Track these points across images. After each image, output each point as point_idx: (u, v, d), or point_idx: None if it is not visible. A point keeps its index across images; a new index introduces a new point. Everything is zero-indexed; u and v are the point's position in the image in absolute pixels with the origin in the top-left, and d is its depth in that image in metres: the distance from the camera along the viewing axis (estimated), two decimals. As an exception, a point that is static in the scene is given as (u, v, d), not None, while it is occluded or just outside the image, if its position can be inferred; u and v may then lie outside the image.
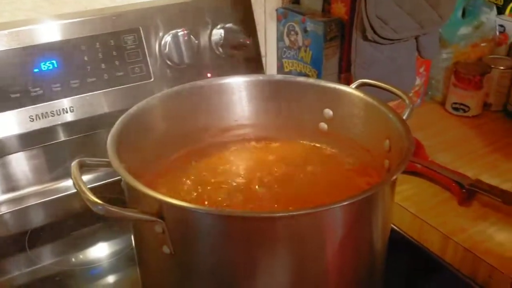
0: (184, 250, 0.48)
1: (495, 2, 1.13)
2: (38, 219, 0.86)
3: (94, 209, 0.46)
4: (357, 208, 0.48)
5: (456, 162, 0.87)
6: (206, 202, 0.61)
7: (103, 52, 0.83)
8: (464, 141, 0.96)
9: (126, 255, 0.74)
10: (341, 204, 0.45)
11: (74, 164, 0.52)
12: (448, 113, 1.05)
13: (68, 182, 0.88)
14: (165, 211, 0.46)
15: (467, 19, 1.04)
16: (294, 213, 0.45)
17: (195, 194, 0.62)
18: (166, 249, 0.48)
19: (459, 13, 1.04)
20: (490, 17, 1.06)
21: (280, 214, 0.45)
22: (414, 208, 0.77)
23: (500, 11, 1.13)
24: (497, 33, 1.08)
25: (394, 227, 0.77)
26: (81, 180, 0.49)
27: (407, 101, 0.61)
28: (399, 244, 0.75)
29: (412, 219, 0.76)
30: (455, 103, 1.03)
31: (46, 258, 0.76)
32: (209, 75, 0.93)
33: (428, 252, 0.73)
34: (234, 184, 0.65)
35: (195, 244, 0.47)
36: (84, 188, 0.48)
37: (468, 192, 0.77)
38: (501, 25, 1.09)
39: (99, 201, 0.46)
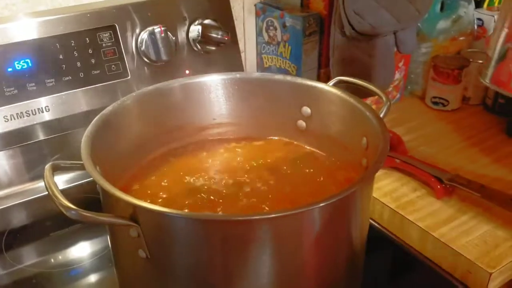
0: (160, 254, 0.47)
1: (474, -5, 1.14)
2: (15, 220, 0.84)
3: (67, 214, 0.46)
4: (334, 208, 0.48)
5: (436, 156, 0.87)
6: (183, 203, 0.60)
7: (79, 50, 0.82)
8: (444, 135, 0.96)
9: (106, 256, 0.73)
10: (318, 205, 0.45)
11: (47, 167, 0.51)
12: (428, 107, 1.06)
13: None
14: (139, 215, 0.46)
15: (446, 13, 1.05)
16: (271, 215, 0.45)
17: (172, 195, 0.61)
18: (142, 253, 0.48)
19: (438, 7, 1.04)
20: (468, 11, 1.06)
21: (257, 217, 0.45)
22: (394, 204, 0.77)
23: (478, 4, 1.14)
24: (475, 26, 1.09)
25: (374, 222, 0.77)
26: (54, 184, 0.49)
27: (384, 98, 0.61)
28: (378, 239, 0.75)
29: (391, 214, 0.76)
30: (435, 97, 1.04)
31: (24, 259, 0.74)
32: (187, 72, 0.92)
33: (407, 247, 0.74)
34: (212, 184, 0.65)
35: (171, 248, 0.47)
36: (56, 193, 0.47)
37: (447, 186, 0.78)
38: (479, 19, 1.10)
39: (72, 205, 0.45)
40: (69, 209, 0.45)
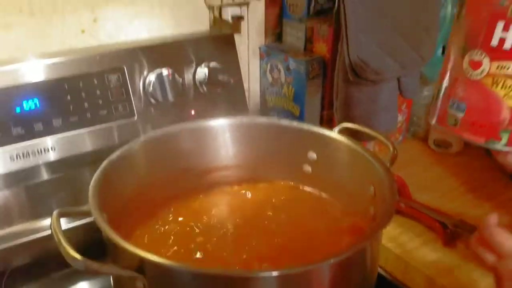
0: (165, 305, 0.47)
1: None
2: (17, 260, 0.83)
3: (73, 264, 0.45)
4: (344, 263, 0.47)
5: (439, 200, 0.87)
6: (188, 250, 0.60)
7: (87, 91, 0.83)
8: (447, 178, 0.96)
9: (107, 298, 0.72)
10: (327, 263, 0.45)
11: (54, 214, 0.51)
12: (431, 149, 1.06)
13: (49, 221, 0.86)
14: (146, 267, 0.46)
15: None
16: (279, 273, 0.44)
17: (176, 240, 0.61)
18: (147, 305, 0.47)
19: (439, 51, 1.06)
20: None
21: (265, 275, 0.45)
22: (399, 249, 0.76)
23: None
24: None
25: (379, 268, 0.77)
26: (61, 232, 0.49)
27: (390, 147, 0.62)
28: (383, 285, 0.74)
29: (396, 259, 0.76)
30: (437, 140, 1.04)
31: (25, 300, 0.74)
32: (192, 112, 0.93)
33: (413, 293, 0.73)
34: (217, 230, 0.64)
35: (177, 300, 0.47)
36: (63, 241, 0.47)
37: (452, 232, 0.77)
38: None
39: (78, 256, 0.45)
40: (76, 260, 0.45)
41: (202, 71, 0.91)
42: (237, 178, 0.73)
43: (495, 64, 0.43)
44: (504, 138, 0.45)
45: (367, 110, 0.83)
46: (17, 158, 0.79)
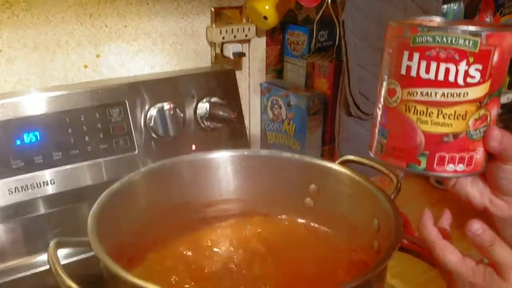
0: None
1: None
2: (11, 297, 0.81)
3: (70, 296, 0.44)
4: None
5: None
6: (186, 284, 0.58)
7: (88, 125, 0.83)
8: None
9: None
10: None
11: (51, 245, 0.50)
12: (432, 186, 1.05)
13: (46, 256, 0.85)
14: (146, 299, 0.44)
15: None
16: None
17: (177, 275, 0.60)
18: None
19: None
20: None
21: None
22: (403, 287, 0.75)
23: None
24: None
25: (383, 306, 0.74)
26: (58, 262, 0.47)
27: (394, 180, 0.61)
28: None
29: (400, 298, 0.74)
30: (439, 181, 1.04)
31: None
32: (193, 147, 0.92)
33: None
34: (216, 264, 0.63)
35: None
36: (60, 272, 0.46)
37: (456, 270, 0.76)
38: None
39: (76, 286, 0.44)
40: (73, 290, 0.44)
41: (203, 106, 0.92)
42: (238, 211, 0.72)
43: (406, 91, 0.45)
44: (423, 162, 0.47)
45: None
46: (15, 191, 0.79)
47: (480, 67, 0.43)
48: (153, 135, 0.88)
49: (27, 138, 0.79)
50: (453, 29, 0.42)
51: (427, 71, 0.44)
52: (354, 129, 0.83)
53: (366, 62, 0.79)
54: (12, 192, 0.78)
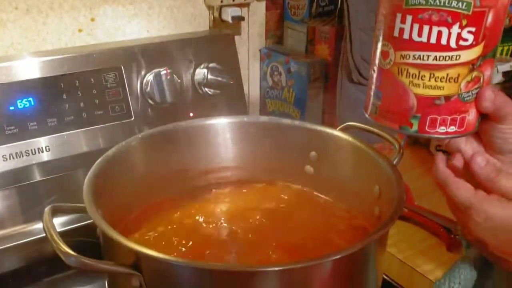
0: (163, 305, 0.45)
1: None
2: (8, 264, 0.81)
3: (66, 261, 0.43)
4: (347, 262, 0.46)
5: (443, 205, 0.85)
6: (185, 252, 0.58)
7: (83, 90, 0.81)
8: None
9: (101, 304, 0.70)
10: (332, 258, 0.43)
11: (46, 210, 0.49)
12: (432, 155, 1.04)
13: (42, 224, 0.84)
14: (142, 263, 0.43)
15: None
16: (281, 268, 0.43)
17: (174, 243, 0.59)
18: (143, 304, 0.45)
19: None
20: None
21: (266, 269, 0.43)
22: (402, 255, 0.74)
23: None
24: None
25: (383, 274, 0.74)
26: (54, 228, 0.46)
27: (396, 146, 0.60)
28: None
29: (400, 266, 0.74)
30: (439, 145, 1.03)
31: (15, 305, 0.71)
32: (191, 114, 0.91)
33: (417, 300, 0.71)
34: (215, 230, 0.62)
35: (175, 299, 0.44)
36: (56, 237, 0.45)
37: (457, 238, 0.75)
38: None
39: (72, 252, 0.43)
40: (69, 255, 0.43)
41: (201, 72, 0.90)
42: (237, 179, 0.71)
43: (398, 53, 0.45)
44: (415, 124, 0.47)
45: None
46: (10, 158, 0.77)
47: (473, 29, 0.42)
48: (150, 101, 0.86)
49: (21, 103, 0.77)
50: None
51: (420, 34, 0.43)
52: (356, 96, 0.82)
53: (368, 26, 0.77)
54: (6, 159, 0.77)
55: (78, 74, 0.81)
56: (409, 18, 0.43)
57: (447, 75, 0.44)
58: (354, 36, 0.76)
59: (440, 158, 0.51)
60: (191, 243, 0.59)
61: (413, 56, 0.44)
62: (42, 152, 0.80)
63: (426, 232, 0.79)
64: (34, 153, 0.79)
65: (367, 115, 0.52)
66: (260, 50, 1.06)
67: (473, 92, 0.45)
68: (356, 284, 0.49)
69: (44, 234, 0.82)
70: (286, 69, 1.00)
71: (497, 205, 0.44)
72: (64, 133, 0.81)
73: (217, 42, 0.93)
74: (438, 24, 0.42)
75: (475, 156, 0.47)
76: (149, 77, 0.85)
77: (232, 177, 0.71)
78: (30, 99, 0.78)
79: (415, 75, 0.45)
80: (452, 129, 0.47)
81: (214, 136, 0.69)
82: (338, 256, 0.43)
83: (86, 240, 0.77)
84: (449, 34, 0.42)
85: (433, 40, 0.43)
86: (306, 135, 0.67)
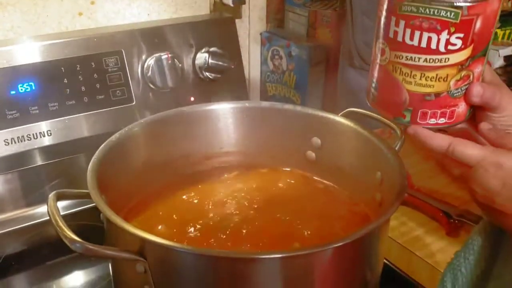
0: (167, 290, 0.45)
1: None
2: (11, 247, 0.81)
3: (71, 247, 0.44)
4: (349, 249, 0.46)
5: (442, 190, 0.86)
6: (187, 236, 0.58)
7: (84, 75, 0.81)
8: (438, 174, 0.94)
9: (103, 287, 0.70)
10: (334, 246, 0.43)
11: (51, 196, 0.49)
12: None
13: (43, 209, 0.84)
14: (147, 250, 0.44)
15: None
16: (284, 254, 0.43)
17: (175, 226, 0.59)
18: (147, 290, 0.46)
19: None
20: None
21: (269, 256, 0.43)
22: (401, 239, 0.75)
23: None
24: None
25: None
26: (58, 213, 0.47)
27: (398, 132, 0.60)
28: (386, 276, 0.73)
29: (400, 250, 0.74)
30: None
31: (17, 288, 0.71)
32: (192, 99, 0.91)
33: (417, 284, 0.71)
34: (220, 217, 0.62)
35: (179, 285, 0.45)
36: (61, 223, 0.45)
37: (455, 222, 0.76)
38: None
39: (76, 238, 0.43)
40: (74, 241, 0.43)
41: (202, 56, 0.90)
42: (238, 164, 0.71)
43: (393, 53, 0.48)
44: (407, 116, 0.51)
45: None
46: (11, 142, 0.78)
47: (461, 35, 0.44)
48: (151, 86, 0.86)
49: (22, 88, 0.77)
50: (436, 1, 0.44)
51: (411, 38, 0.46)
52: (357, 81, 0.81)
53: (370, 10, 0.76)
54: (8, 143, 0.77)
55: (79, 58, 0.80)
56: (402, 23, 0.46)
57: (437, 75, 0.46)
58: (356, 20, 0.75)
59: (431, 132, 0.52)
60: (193, 229, 0.60)
61: (406, 57, 0.47)
62: (44, 136, 0.80)
63: (426, 217, 0.79)
64: (35, 137, 0.79)
65: (367, 101, 0.54)
66: (261, 34, 1.05)
67: (462, 88, 0.48)
68: (357, 271, 0.50)
69: (46, 218, 0.83)
70: (287, 53, 0.99)
71: (508, 154, 0.46)
72: (66, 117, 0.81)
73: (218, 26, 0.93)
74: (428, 30, 0.44)
75: (482, 125, 0.49)
76: (150, 61, 0.85)
77: (233, 163, 0.72)
78: (31, 83, 0.77)
79: (408, 74, 0.47)
80: (442, 120, 0.50)
81: (216, 122, 0.69)
82: (340, 244, 0.44)
83: (88, 223, 0.78)
84: (438, 39, 0.44)
85: (423, 44, 0.45)
86: (308, 121, 0.67)
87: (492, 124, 0.50)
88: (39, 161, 0.82)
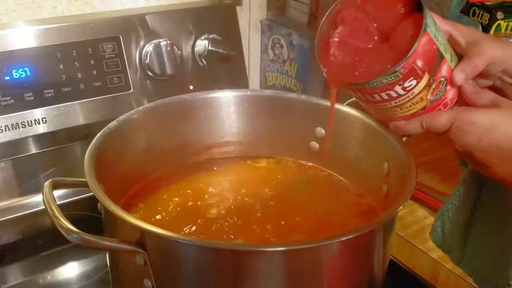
0: (168, 284, 0.44)
1: (480, 21, 1.13)
2: (4, 237, 0.80)
3: (68, 238, 0.42)
4: (356, 242, 0.45)
5: (444, 183, 0.85)
6: (186, 227, 0.57)
7: (80, 61, 0.79)
8: (450, 161, 0.93)
9: (100, 279, 0.69)
10: (339, 240, 0.42)
11: (46, 184, 0.47)
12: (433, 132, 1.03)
13: (38, 198, 0.82)
14: (147, 241, 0.42)
15: (454, 37, 1.04)
16: (287, 248, 0.42)
17: (174, 217, 0.58)
18: (147, 283, 0.44)
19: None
20: (476, 36, 1.05)
21: (272, 249, 0.42)
22: (403, 232, 0.74)
23: (485, 29, 1.13)
24: (483, 52, 1.08)
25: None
26: (54, 203, 0.45)
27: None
28: (388, 269, 0.72)
29: (401, 243, 0.73)
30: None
31: (11, 279, 0.70)
32: (191, 87, 0.89)
33: (419, 278, 0.71)
34: (218, 207, 0.61)
35: (180, 278, 0.44)
36: (57, 213, 0.43)
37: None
38: (486, 44, 1.09)
39: (74, 228, 0.42)
40: (71, 232, 0.42)
41: (202, 44, 0.88)
42: (240, 154, 0.70)
43: (371, 105, 0.54)
44: None
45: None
46: (6, 129, 0.76)
47: (411, 78, 0.47)
48: (149, 73, 0.84)
49: (16, 73, 0.75)
50: (374, 79, 0.47)
51: (374, 98, 0.50)
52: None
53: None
54: (2, 131, 0.75)
55: (75, 44, 0.78)
56: (362, 92, 0.50)
57: (412, 103, 0.49)
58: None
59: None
60: (193, 219, 0.58)
61: (380, 106, 0.51)
62: (39, 124, 0.78)
63: (427, 209, 0.79)
64: (30, 124, 0.77)
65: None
66: (261, 22, 1.03)
67: (441, 90, 0.50)
68: (364, 265, 0.48)
69: (41, 208, 0.82)
70: (288, 42, 0.98)
71: (479, 111, 0.48)
72: (61, 104, 0.79)
73: (218, 13, 0.91)
74: (383, 91, 0.48)
75: (457, 73, 0.50)
76: (149, 48, 0.83)
77: (235, 152, 0.70)
78: (26, 69, 0.75)
79: (391, 110, 0.51)
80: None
81: (217, 110, 0.67)
82: (344, 238, 0.43)
83: (84, 214, 0.76)
84: (395, 91, 0.48)
85: (386, 97, 0.49)
86: (311, 110, 0.65)
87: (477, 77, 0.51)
88: (33, 149, 0.80)
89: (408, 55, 0.45)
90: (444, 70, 0.49)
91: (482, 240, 0.59)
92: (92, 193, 0.46)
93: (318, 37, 0.53)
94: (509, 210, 0.57)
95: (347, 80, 0.50)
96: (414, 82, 0.47)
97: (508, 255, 0.58)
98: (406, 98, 0.49)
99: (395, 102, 0.49)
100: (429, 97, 0.49)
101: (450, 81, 0.50)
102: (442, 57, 0.48)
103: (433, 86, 0.49)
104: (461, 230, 0.60)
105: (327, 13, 0.53)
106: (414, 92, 0.48)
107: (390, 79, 0.47)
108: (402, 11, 0.49)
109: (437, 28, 0.48)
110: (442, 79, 0.49)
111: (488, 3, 1.15)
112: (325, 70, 0.52)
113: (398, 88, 0.47)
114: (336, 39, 0.52)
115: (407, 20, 0.49)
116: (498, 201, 0.57)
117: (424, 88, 0.48)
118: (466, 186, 0.59)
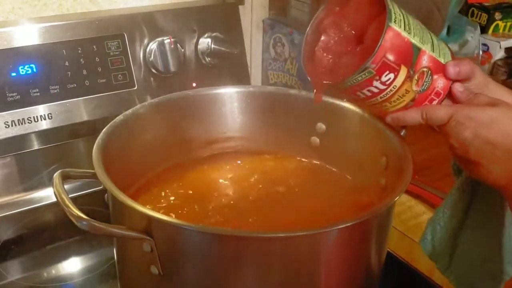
0: (174, 271, 0.45)
1: (479, 21, 1.15)
2: (9, 231, 0.81)
3: (78, 225, 0.43)
4: (354, 231, 0.46)
5: (443, 180, 0.86)
6: (189, 219, 0.58)
7: (85, 58, 0.80)
8: (449, 159, 0.95)
9: (104, 272, 0.70)
10: (338, 227, 0.43)
11: (56, 175, 0.48)
12: (433, 129, 1.05)
13: (42, 193, 0.84)
14: (154, 228, 0.44)
15: (452, 37, 1.05)
16: (290, 234, 0.43)
17: (177, 210, 0.59)
18: (154, 269, 0.45)
19: (445, 30, 1.04)
20: (474, 36, 1.06)
21: (276, 235, 0.43)
22: (402, 227, 0.75)
23: (483, 30, 1.15)
24: (481, 52, 1.09)
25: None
26: (65, 192, 0.46)
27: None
28: (386, 263, 0.73)
29: (400, 237, 0.74)
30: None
31: (16, 272, 0.71)
32: (194, 84, 0.90)
33: (416, 271, 0.72)
34: (222, 200, 0.62)
35: (186, 264, 0.45)
36: (67, 202, 0.45)
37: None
38: (484, 44, 1.10)
39: (83, 215, 0.43)
40: (80, 219, 0.43)
41: (205, 42, 0.89)
42: (242, 149, 0.71)
43: (362, 102, 0.57)
44: None
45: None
46: (12, 124, 0.77)
47: (387, 72, 0.48)
48: (153, 70, 0.86)
49: (23, 70, 0.76)
50: (350, 78, 0.49)
51: (358, 96, 0.52)
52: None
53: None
54: (8, 126, 0.76)
55: (81, 41, 0.79)
56: (347, 91, 0.52)
57: (399, 97, 0.51)
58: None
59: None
60: (196, 212, 0.60)
61: (369, 102, 0.52)
62: (44, 119, 0.79)
63: (424, 205, 0.80)
64: (36, 120, 0.78)
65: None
66: (263, 21, 1.04)
67: (426, 80, 0.50)
68: (361, 254, 0.50)
69: (45, 202, 0.83)
70: (290, 41, 0.99)
71: (479, 108, 0.49)
72: (66, 101, 0.80)
73: (221, 11, 0.92)
74: (363, 88, 0.50)
75: (455, 84, 0.52)
76: (153, 45, 0.84)
77: (237, 148, 0.71)
78: (32, 65, 0.77)
79: (382, 106, 0.53)
80: (436, 101, 0.53)
81: (220, 106, 0.68)
82: (343, 225, 0.44)
83: (89, 208, 0.77)
84: (375, 87, 0.49)
85: (369, 94, 0.51)
86: (312, 106, 0.66)
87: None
88: (38, 144, 0.81)
89: (374, 51, 0.47)
90: (425, 61, 0.50)
91: (471, 247, 0.60)
92: (96, 188, 0.48)
93: (304, 46, 0.55)
94: (500, 216, 0.58)
95: (328, 81, 0.52)
96: (391, 75, 0.48)
97: (496, 260, 0.59)
98: (389, 92, 0.50)
99: (381, 97, 0.51)
100: (414, 88, 0.50)
101: (436, 70, 0.51)
102: (418, 48, 0.49)
103: (416, 77, 0.50)
104: (451, 238, 0.61)
105: (310, 23, 0.57)
106: (395, 86, 0.49)
107: (364, 76, 0.48)
108: (375, 13, 0.51)
109: (410, 21, 0.49)
110: (425, 69, 0.50)
111: (486, 4, 1.17)
112: (310, 77, 0.55)
113: (377, 84, 0.49)
114: (319, 47, 0.55)
115: (378, 20, 0.50)
116: (489, 208, 0.58)
117: (405, 80, 0.49)
118: (458, 194, 0.60)
